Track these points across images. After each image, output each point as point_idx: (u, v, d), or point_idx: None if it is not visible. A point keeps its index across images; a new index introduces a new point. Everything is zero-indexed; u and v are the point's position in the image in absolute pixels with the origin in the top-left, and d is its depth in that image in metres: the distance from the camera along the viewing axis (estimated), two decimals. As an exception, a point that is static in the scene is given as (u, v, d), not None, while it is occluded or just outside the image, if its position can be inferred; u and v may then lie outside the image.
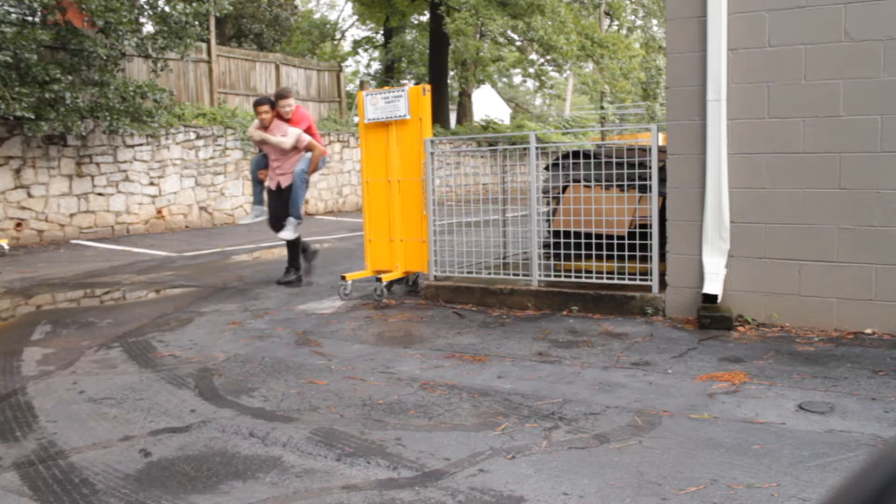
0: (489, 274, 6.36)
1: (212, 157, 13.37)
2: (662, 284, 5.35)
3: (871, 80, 4.57)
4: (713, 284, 4.96)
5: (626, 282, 5.49)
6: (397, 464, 2.91)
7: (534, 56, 23.65)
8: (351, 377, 4.11)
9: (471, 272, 6.39)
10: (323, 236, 11.57)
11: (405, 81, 25.50)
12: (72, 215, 11.38)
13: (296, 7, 26.61)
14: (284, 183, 7.11)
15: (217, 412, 3.59)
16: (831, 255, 4.77)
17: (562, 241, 6.23)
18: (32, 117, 9.85)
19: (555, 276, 5.93)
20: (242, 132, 13.46)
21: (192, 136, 13.02)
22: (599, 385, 3.84)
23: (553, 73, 27.03)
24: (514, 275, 6.08)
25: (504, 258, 6.90)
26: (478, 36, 23.24)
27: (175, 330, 5.43)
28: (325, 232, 12.18)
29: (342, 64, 20.92)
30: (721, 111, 4.93)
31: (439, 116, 19.56)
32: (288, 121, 7.07)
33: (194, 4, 11.85)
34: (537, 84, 27.84)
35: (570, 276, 5.81)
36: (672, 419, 3.30)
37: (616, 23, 30.12)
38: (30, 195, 10.86)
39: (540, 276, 5.88)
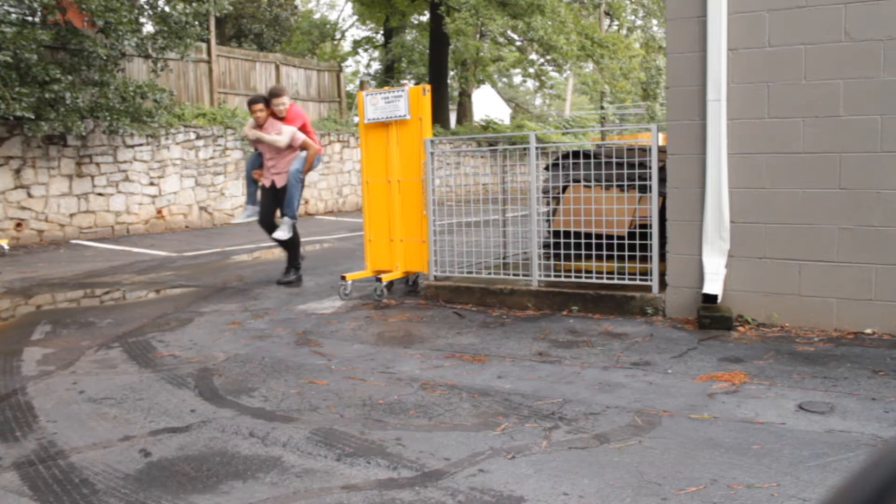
0: (489, 274, 6.36)
1: (212, 157, 13.37)
2: (662, 284, 5.35)
3: (871, 80, 4.57)
4: (713, 284, 4.96)
5: (626, 282, 5.49)
6: (397, 464, 2.91)
7: (534, 56, 23.66)
8: (351, 377, 4.11)
9: (471, 272, 6.39)
10: (323, 236, 11.57)
11: (405, 81, 25.50)
12: (72, 215, 11.38)
13: (296, 7, 26.61)
14: (279, 182, 7.08)
15: (217, 412, 3.59)
16: (831, 255, 4.77)
17: (562, 241, 6.23)
18: (32, 117, 9.85)
19: (555, 276, 5.93)
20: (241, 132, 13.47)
21: (192, 136, 13.02)
22: (599, 385, 3.84)
23: (553, 73, 27.04)
24: (514, 275, 6.08)
25: (504, 258, 6.90)
26: (478, 36, 23.25)
27: (175, 330, 5.43)
28: (325, 232, 12.18)
29: (342, 64, 20.93)
30: (721, 111, 4.93)
31: (439, 116, 19.56)
32: (282, 119, 7.04)
33: (194, 4, 11.85)
34: (537, 84, 27.85)
35: (570, 276, 5.81)
36: (672, 419, 3.30)
37: (616, 23, 30.12)
38: (30, 195, 10.86)
39: (540, 276, 5.88)
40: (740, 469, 2.76)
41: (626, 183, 6.23)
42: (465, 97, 26.33)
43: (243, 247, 10.36)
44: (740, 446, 2.97)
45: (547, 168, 6.98)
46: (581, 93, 40.02)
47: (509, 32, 21.41)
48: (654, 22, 30.43)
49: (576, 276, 5.77)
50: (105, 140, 11.68)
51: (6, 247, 9.88)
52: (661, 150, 5.56)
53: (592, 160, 6.36)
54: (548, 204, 7.04)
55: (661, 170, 5.50)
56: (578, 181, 6.58)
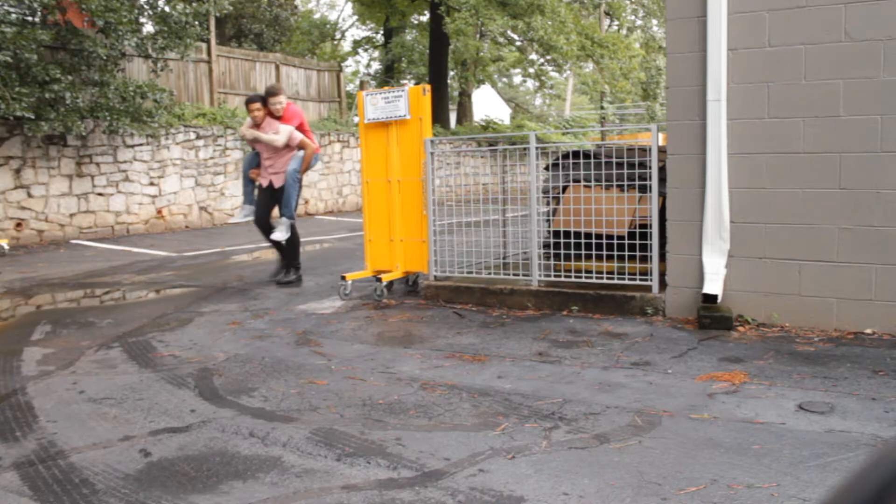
0: (489, 274, 6.36)
1: (212, 157, 13.37)
2: (662, 284, 5.35)
3: (871, 80, 4.57)
4: (713, 284, 4.96)
5: (626, 282, 5.49)
6: (397, 464, 2.91)
7: (534, 56, 23.66)
8: (351, 377, 4.11)
9: (471, 272, 6.39)
10: (323, 236, 11.57)
11: (405, 81, 25.50)
12: (72, 215, 11.38)
13: (296, 7, 26.61)
14: (277, 182, 7.07)
15: (217, 412, 3.59)
16: (831, 255, 4.77)
17: (562, 241, 6.23)
18: (32, 117, 9.85)
19: (555, 276, 5.93)
20: (241, 132, 13.47)
21: (192, 136, 13.02)
22: (599, 385, 3.84)
23: (553, 73, 27.04)
24: (514, 275, 6.08)
25: (504, 258, 6.90)
26: (478, 36, 23.25)
27: (175, 330, 5.43)
28: (325, 232, 12.18)
29: (342, 64, 20.92)
30: (721, 111, 4.93)
31: (439, 116, 19.56)
32: (279, 118, 7.03)
33: (194, 4, 11.85)
34: (537, 84, 27.85)
35: (570, 276, 5.81)
36: (672, 419, 3.30)
37: (616, 23, 30.12)
38: (30, 195, 10.86)
39: (540, 276, 5.88)
40: (740, 469, 2.76)
41: (626, 183, 6.23)
42: (465, 97, 26.33)
43: (243, 247, 10.36)
44: (740, 446, 2.97)
45: (547, 168, 6.98)
46: (581, 93, 40.02)
47: (509, 32, 21.41)
48: (654, 22, 30.43)
49: (576, 276, 5.77)
50: (105, 140, 11.68)
51: (6, 247, 9.89)
52: (661, 150, 5.56)
53: (592, 160, 6.36)
54: (548, 204, 7.04)
55: (661, 170, 5.50)
56: (578, 181, 6.59)
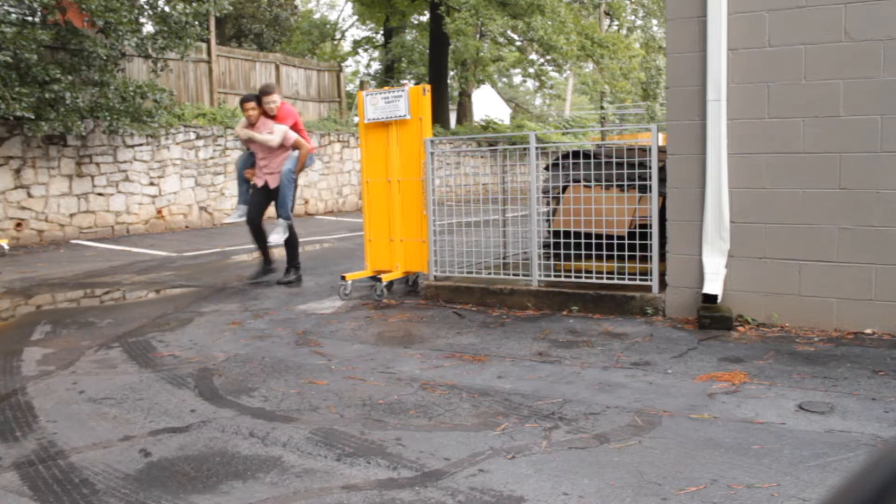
0: (489, 274, 6.36)
1: (212, 157, 13.37)
2: (662, 284, 5.35)
3: (871, 80, 4.57)
4: (713, 284, 4.96)
5: (626, 282, 5.49)
6: (397, 464, 2.91)
7: (534, 56, 23.66)
8: (351, 377, 4.11)
9: (471, 272, 6.39)
10: (323, 236, 11.57)
11: (405, 81, 25.49)
12: (72, 215, 11.38)
13: (296, 7, 26.62)
14: (272, 183, 7.04)
15: (217, 412, 3.59)
16: (831, 255, 4.77)
17: (562, 241, 6.23)
18: (32, 117, 9.85)
19: (555, 276, 5.93)
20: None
21: (192, 136, 13.02)
22: (599, 385, 3.84)
23: (553, 73, 27.05)
24: (514, 275, 6.08)
25: (504, 258, 6.90)
26: (478, 36, 23.25)
27: (175, 330, 5.43)
28: (325, 232, 12.18)
29: (342, 64, 20.93)
30: (721, 111, 4.93)
31: (439, 116, 19.57)
32: (273, 117, 7.00)
33: (194, 4, 11.86)
34: (537, 84, 27.85)
35: (570, 276, 5.81)
36: (672, 419, 3.30)
37: (616, 23, 30.12)
38: (30, 195, 10.86)
39: (540, 276, 5.88)
40: (740, 469, 2.76)
41: (626, 183, 6.23)
42: (465, 97, 26.34)
43: (243, 247, 10.35)
44: (740, 446, 2.97)
45: (547, 168, 6.98)
46: (581, 93, 40.02)
47: (509, 32, 21.41)
48: (654, 22, 30.43)
49: (576, 276, 5.77)
50: (105, 140, 11.68)
51: (6, 247, 9.89)
52: (661, 150, 5.56)
53: (592, 160, 6.36)
54: (548, 204, 7.04)
55: (661, 170, 5.50)
56: (578, 181, 6.59)
